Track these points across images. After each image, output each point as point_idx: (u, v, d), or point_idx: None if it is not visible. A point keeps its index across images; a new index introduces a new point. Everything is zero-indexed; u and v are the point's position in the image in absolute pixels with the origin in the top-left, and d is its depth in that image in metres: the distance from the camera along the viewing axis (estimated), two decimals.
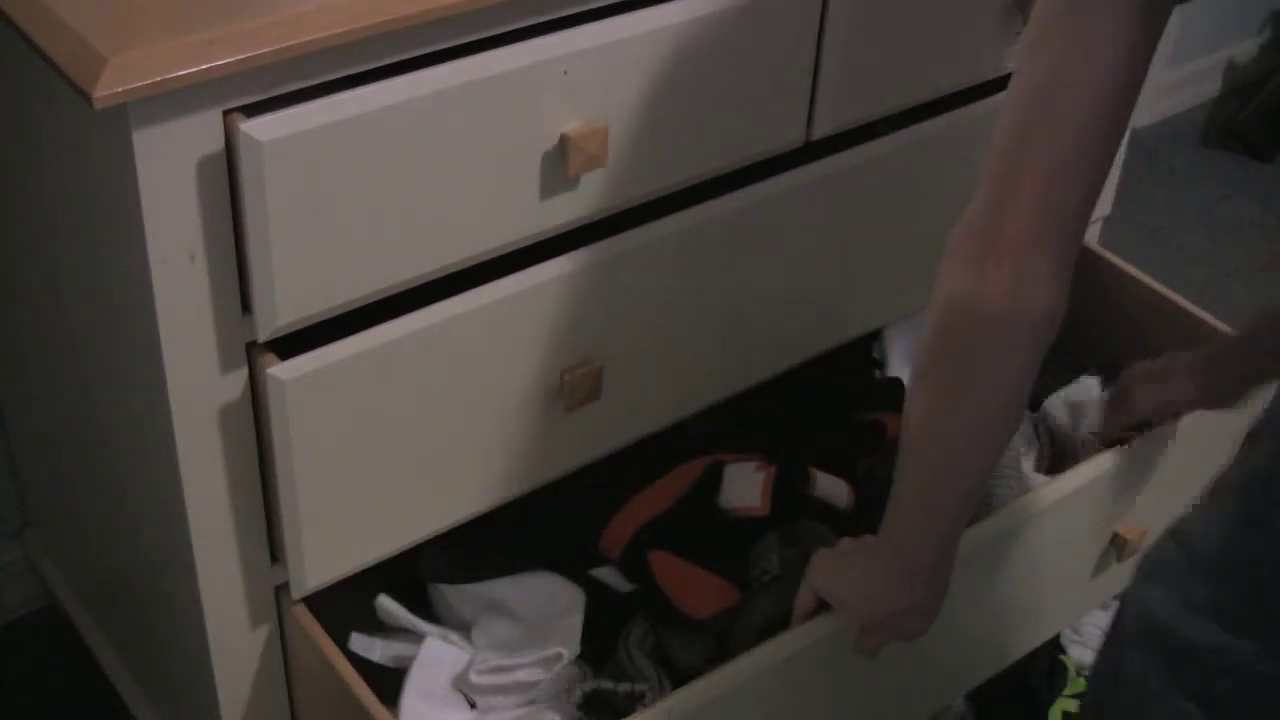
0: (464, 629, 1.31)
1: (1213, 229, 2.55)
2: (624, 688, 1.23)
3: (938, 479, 1.04)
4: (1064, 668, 1.65)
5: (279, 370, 1.05)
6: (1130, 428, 1.42)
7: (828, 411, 1.53)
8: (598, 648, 1.28)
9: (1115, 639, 0.95)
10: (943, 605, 1.13)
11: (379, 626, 1.28)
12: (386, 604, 1.26)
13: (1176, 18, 2.67)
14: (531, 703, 1.24)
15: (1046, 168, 0.90)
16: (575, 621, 1.27)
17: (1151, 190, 2.62)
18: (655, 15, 1.12)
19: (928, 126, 1.39)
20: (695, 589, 1.30)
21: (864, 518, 1.43)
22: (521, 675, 1.22)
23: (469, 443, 1.18)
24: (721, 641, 1.30)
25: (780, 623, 1.24)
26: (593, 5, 1.11)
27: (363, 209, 1.03)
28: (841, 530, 1.38)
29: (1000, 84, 1.45)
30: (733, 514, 1.37)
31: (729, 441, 1.45)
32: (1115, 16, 0.87)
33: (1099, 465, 1.37)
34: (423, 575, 1.33)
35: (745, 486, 1.38)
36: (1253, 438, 0.90)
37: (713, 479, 1.38)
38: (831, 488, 1.40)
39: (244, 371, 1.07)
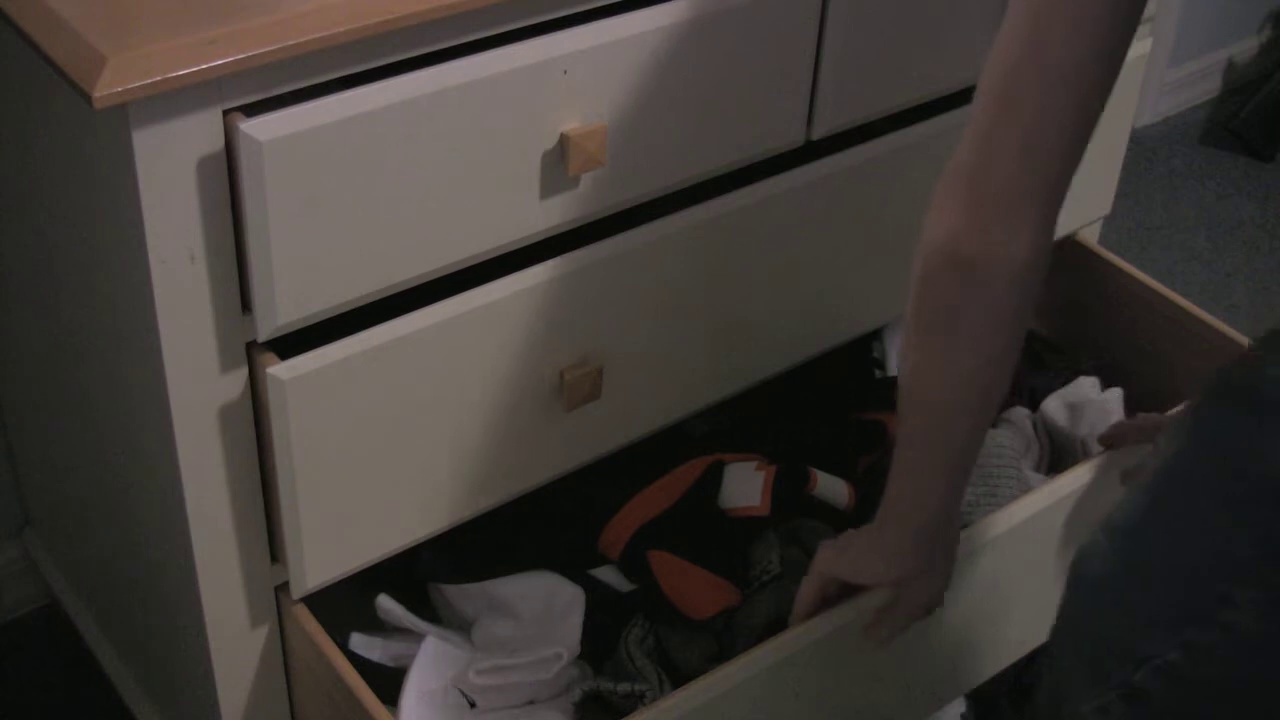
0: (464, 629, 1.31)
1: (1213, 229, 2.55)
2: (623, 688, 1.23)
3: (930, 434, 1.04)
4: None
5: (279, 370, 1.05)
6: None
7: (828, 411, 1.53)
8: (597, 648, 1.28)
9: (1050, 639, 0.97)
10: (953, 571, 1.13)
11: (379, 626, 1.28)
12: (386, 604, 1.26)
13: (1177, 17, 2.68)
14: (531, 703, 1.24)
15: (1032, 115, 0.90)
16: (575, 621, 1.27)
17: (1151, 190, 2.62)
18: (655, 15, 1.12)
19: (928, 126, 1.39)
20: (695, 589, 1.30)
21: (864, 517, 1.43)
22: (521, 675, 1.22)
23: (469, 442, 1.18)
24: (722, 641, 1.30)
25: (781, 622, 1.24)
26: (592, 5, 1.11)
27: (362, 208, 1.03)
28: (841, 530, 1.38)
29: None
30: (733, 514, 1.37)
31: (729, 441, 1.45)
32: None
33: (1099, 465, 1.37)
34: (422, 575, 1.33)
35: (745, 486, 1.38)
36: (1164, 434, 0.91)
37: (713, 479, 1.38)
38: (832, 488, 1.40)
39: (244, 371, 1.07)
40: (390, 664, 1.25)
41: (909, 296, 0.99)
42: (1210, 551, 0.85)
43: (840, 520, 1.40)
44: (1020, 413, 1.56)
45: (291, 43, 0.95)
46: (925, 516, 1.09)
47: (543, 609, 1.29)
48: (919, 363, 1.01)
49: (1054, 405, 1.56)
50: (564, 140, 1.10)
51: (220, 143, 0.97)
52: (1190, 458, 0.88)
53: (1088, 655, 0.91)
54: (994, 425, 1.54)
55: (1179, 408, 1.37)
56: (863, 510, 1.42)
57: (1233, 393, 0.87)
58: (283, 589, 1.19)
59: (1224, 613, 0.83)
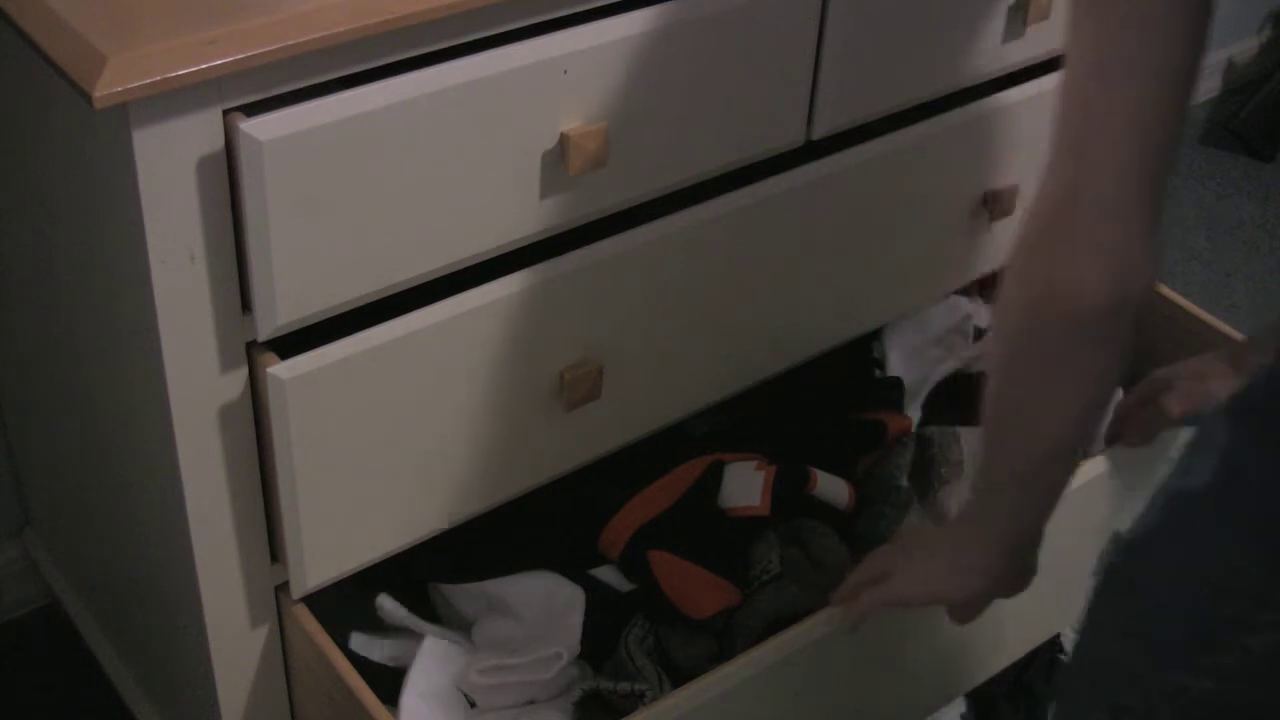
0: (464, 628, 1.31)
1: (1213, 228, 2.55)
2: (623, 687, 1.23)
3: (1034, 468, 0.98)
4: (1063, 667, 1.65)
5: (279, 369, 1.05)
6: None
7: (827, 411, 1.53)
8: (597, 647, 1.28)
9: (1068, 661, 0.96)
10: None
11: (379, 626, 1.28)
12: (386, 603, 1.26)
13: None
14: (531, 702, 1.24)
15: (1124, 122, 0.82)
16: (575, 621, 1.27)
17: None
18: (655, 15, 1.12)
19: (928, 126, 1.39)
20: (695, 588, 1.30)
21: (864, 517, 1.43)
22: (521, 675, 1.22)
23: (469, 442, 1.18)
24: (722, 640, 1.30)
25: (781, 621, 1.24)
26: (593, 5, 1.11)
27: (363, 208, 1.03)
28: (841, 529, 1.39)
29: (1001, 83, 1.45)
30: (732, 514, 1.37)
31: (729, 441, 1.45)
32: None
33: (1099, 465, 1.37)
34: (422, 575, 1.33)
35: (745, 486, 1.38)
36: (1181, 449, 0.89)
37: (713, 478, 1.38)
38: (832, 488, 1.40)
39: (244, 371, 1.07)
40: (390, 663, 1.25)
41: (1003, 347, 0.93)
42: (1224, 573, 0.82)
43: (840, 520, 1.40)
44: None
45: (291, 42, 0.95)
46: (1021, 530, 1.05)
47: (543, 609, 1.29)
48: (1027, 407, 0.94)
49: None
50: (564, 140, 1.10)
51: (220, 142, 0.97)
52: (1205, 478, 0.84)
53: (1099, 679, 0.89)
54: None
55: (1229, 351, 1.34)
56: (862, 510, 1.42)
57: (1252, 413, 0.83)
58: (283, 589, 1.19)
59: (1240, 636, 0.80)
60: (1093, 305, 0.85)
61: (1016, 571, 1.09)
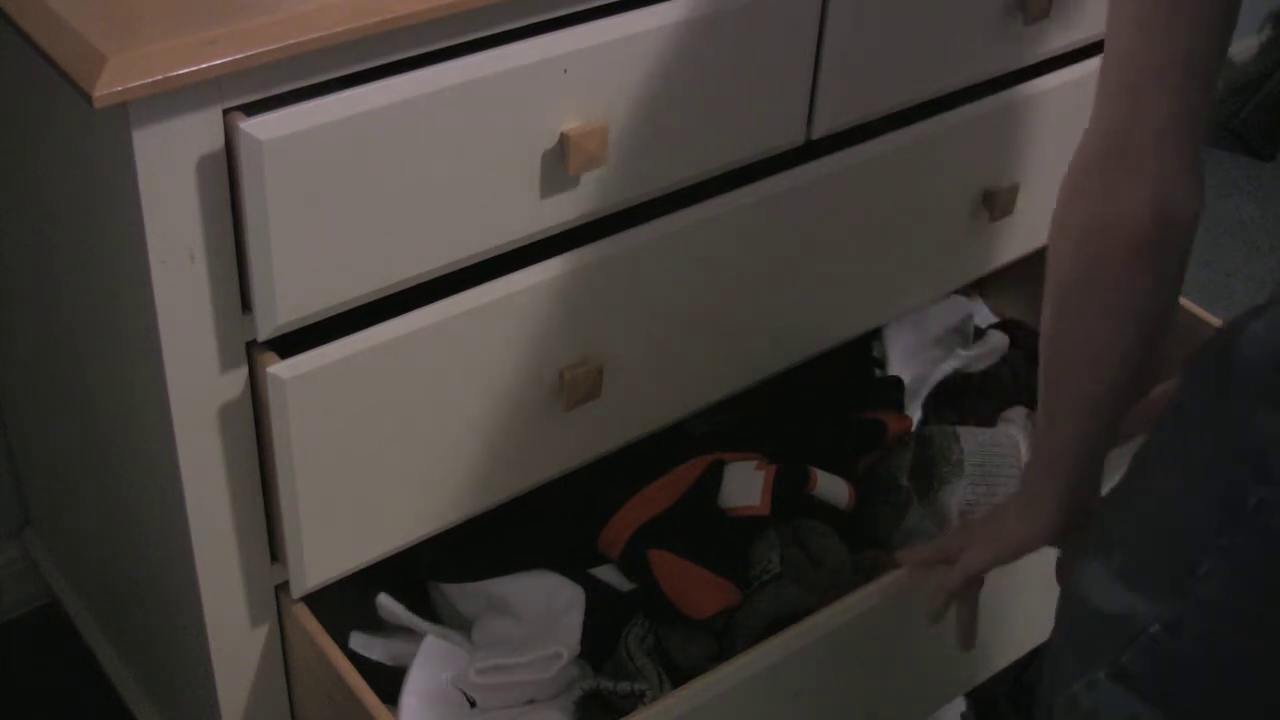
0: (464, 628, 1.31)
1: (1213, 228, 2.55)
2: (623, 687, 1.23)
3: (1103, 393, 1.00)
4: None
5: (279, 369, 1.05)
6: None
7: (827, 411, 1.53)
8: (597, 647, 1.28)
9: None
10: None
11: (379, 625, 1.28)
12: (386, 603, 1.26)
13: None
14: (531, 702, 1.24)
15: (1169, 61, 0.86)
16: (575, 620, 1.27)
17: None
18: (655, 14, 1.12)
19: (928, 126, 1.39)
20: (695, 588, 1.30)
21: (864, 517, 1.43)
22: (521, 674, 1.22)
23: (469, 441, 1.18)
24: (722, 640, 1.30)
25: (781, 621, 1.24)
26: (592, 4, 1.11)
27: (363, 208, 1.03)
28: (842, 529, 1.39)
29: (1001, 82, 1.45)
30: (733, 513, 1.37)
31: (729, 441, 1.45)
32: None
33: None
34: (422, 574, 1.33)
35: (745, 486, 1.38)
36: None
37: (713, 478, 1.38)
38: (832, 487, 1.40)
39: (244, 370, 1.07)
40: (390, 663, 1.25)
41: (1057, 283, 0.96)
42: (1182, 520, 0.85)
43: (840, 519, 1.40)
44: (1019, 412, 1.56)
45: (291, 42, 0.95)
46: (1081, 470, 1.06)
47: (543, 608, 1.29)
48: (1082, 341, 0.97)
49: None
50: (564, 139, 1.10)
51: (220, 142, 0.97)
52: (1166, 429, 0.89)
53: (1079, 634, 0.91)
54: (993, 425, 1.54)
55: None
56: (863, 510, 1.42)
57: (1207, 363, 0.88)
58: (283, 588, 1.19)
59: (1192, 583, 0.83)
60: (1145, 232, 0.89)
61: (1077, 514, 1.10)
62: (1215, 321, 1.58)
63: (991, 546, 1.14)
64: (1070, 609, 0.94)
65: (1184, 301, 1.62)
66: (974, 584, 1.18)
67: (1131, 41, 0.87)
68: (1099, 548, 0.92)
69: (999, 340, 1.68)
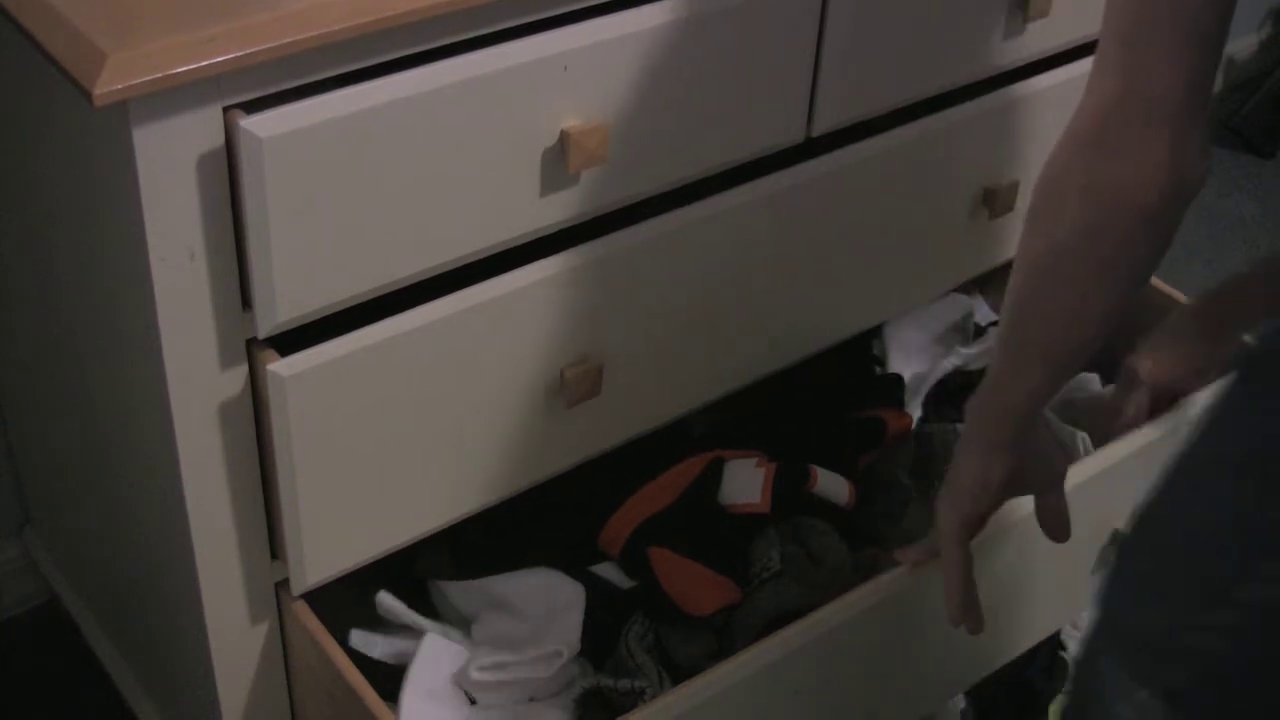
0: (464, 625, 1.31)
1: (1213, 226, 2.55)
2: (624, 685, 1.23)
3: (1075, 349, 1.01)
4: (1064, 664, 1.65)
5: (279, 367, 1.05)
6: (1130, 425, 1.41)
7: (827, 408, 1.53)
8: (598, 644, 1.28)
9: (1082, 644, 0.95)
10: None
11: (379, 623, 1.28)
12: (386, 600, 1.26)
13: None
14: (531, 700, 1.24)
15: (1176, 25, 0.85)
16: (575, 618, 1.27)
17: None
18: (655, 11, 1.12)
19: (928, 123, 1.39)
20: (695, 586, 1.30)
21: (864, 515, 1.43)
22: (521, 672, 1.22)
23: (469, 439, 1.18)
24: (722, 638, 1.30)
25: (782, 619, 1.24)
26: (593, 1, 1.11)
27: (363, 205, 1.03)
28: (842, 527, 1.39)
29: (1000, 80, 1.45)
30: (733, 510, 1.37)
31: (728, 438, 1.45)
32: None
33: (1098, 462, 1.37)
34: (422, 573, 1.32)
35: (745, 483, 1.38)
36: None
37: (713, 475, 1.38)
38: (832, 485, 1.40)
39: (244, 368, 1.07)
40: (390, 660, 1.25)
41: (1055, 244, 0.95)
42: (1230, 526, 0.82)
43: (841, 517, 1.40)
44: None
45: (291, 40, 0.95)
46: (1030, 411, 1.08)
47: (543, 606, 1.29)
48: (1071, 302, 0.97)
49: (1054, 401, 1.56)
50: (564, 137, 1.10)
51: (220, 140, 0.97)
52: (1209, 431, 0.86)
53: (1123, 649, 0.89)
54: None
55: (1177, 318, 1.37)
56: (863, 508, 1.42)
57: (1253, 364, 0.86)
58: (283, 586, 1.19)
59: (1242, 590, 0.80)
60: (1161, 193, 0.89)
61: (1035, 459, 1.12)
62: None
63: (950, 500, 1.14)
64: (1105, 620, 0.92)
65: (1184, 299, 1.62)
66: (961, 557, 1.16)
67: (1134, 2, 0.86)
68: (1132, 556, 0.90)
69: None
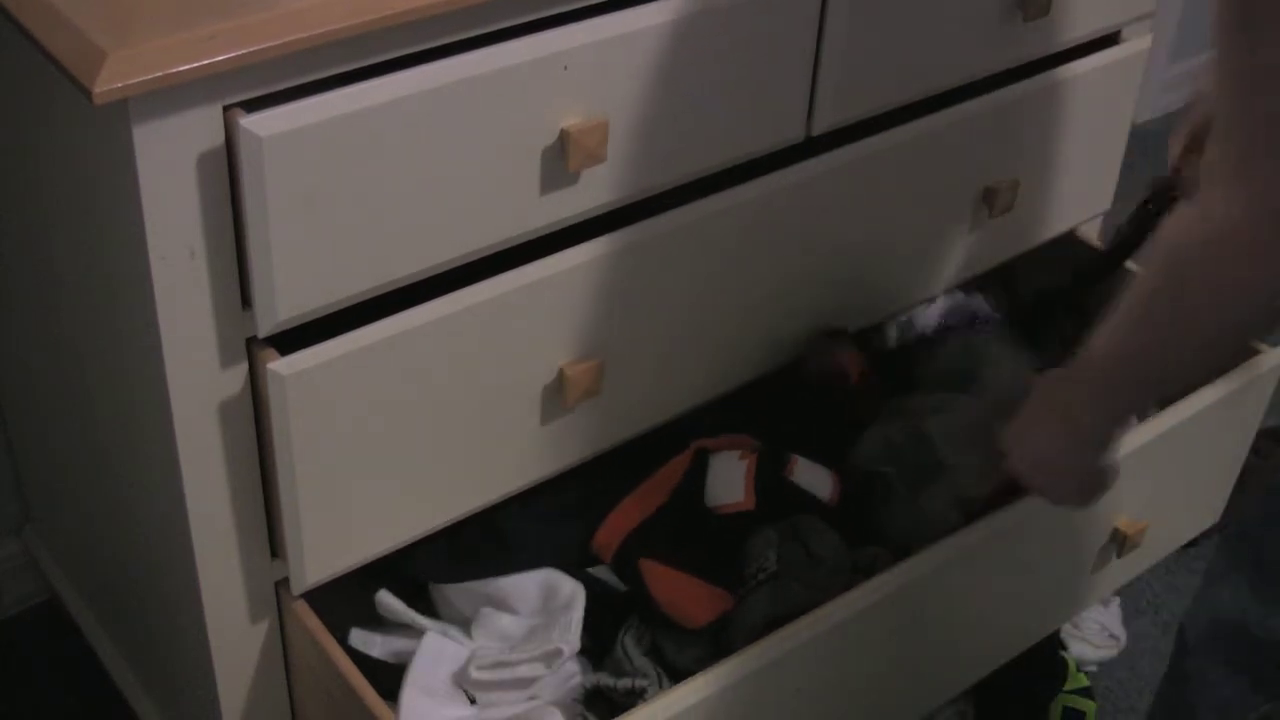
0: (464, 624, 1.31)
1: None
2: (624, 683, 1.23)
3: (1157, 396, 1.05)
4: (1064, 663, 1.65)
5: (279, 365, 1.05)
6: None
7: (821, 407, 1.52)
8: (598, 643, 1.28)
9: (1177, 655, 0.93)
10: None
11: (379, 622, 1.28)
12: (386, 599, 1.26)
13: (1177, 14, 2.67)
14: (532, 698, 1.24)
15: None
16: (575, 617, 1.27)
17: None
18: (655, 10, 1.12)
19: (927, 122, 1.39)
20: (688, 600, 1.29)
21: (851, 509, 1.40)
22: (521, 671, 1.22)
23: (469, 437, 1.18)
24: (720, 642, 1.29)
25: (778, 622, 1.24)
26: (592, 1, 1.11)
27: (363, 204, 1.03)
28: (838, 526, 1.37)
29: (1000, 80, 1.45)
30: (720, 512, 1.35)
31: (714, 423, 1.42)
32: None
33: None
34: (418, 574, 1.32)
35: (730, 481, 1.36)
36: None
37: (699, 471, 1.37)
38: (813, 475, 1.38)
39: (244, 367, 1.07)
40: (390, 659, 1.25)
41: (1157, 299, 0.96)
42: None
43: (826, 510, 1.37)
44: None
45: (292, 38, 0.95)
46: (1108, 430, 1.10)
47: (543, 604, 1.29)
48: (1181, 373, 1.00)
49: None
50: (564, 136, 1.10)
51: (220, 138, 0.97)
52: None
53: (1239, 664, 0.88)
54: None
55: None
56: (849, 501, 1.39)
57: None
58: (283, 585, 1.19)
59: None
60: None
61: (1090, 468, 1.13)
62: None
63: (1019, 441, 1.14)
64: (1221, 639, 0.90)
65: None
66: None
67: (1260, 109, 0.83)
68: (1246, 577, 0.89)
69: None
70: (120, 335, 1.11)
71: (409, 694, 1.19)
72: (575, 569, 1.33)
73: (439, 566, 1.31)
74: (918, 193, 1.42)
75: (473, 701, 1.23)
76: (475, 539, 1.31)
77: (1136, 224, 1.47)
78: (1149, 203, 1.44)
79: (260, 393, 1.07)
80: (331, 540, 1.15)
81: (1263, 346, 1.55)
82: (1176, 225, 0.92)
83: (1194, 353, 0.96)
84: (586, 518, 1.36)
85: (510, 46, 1.06)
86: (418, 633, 1.26)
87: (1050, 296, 1.62)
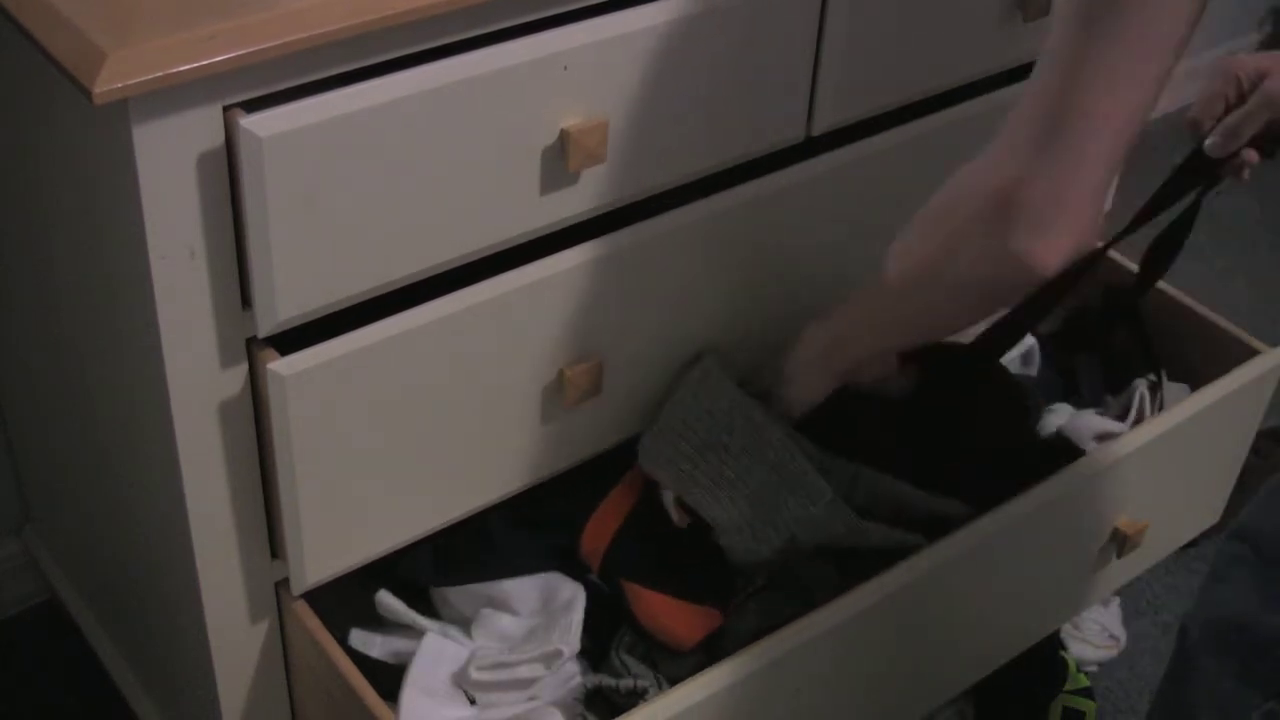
0: (464, 625, 1.31)
1: (1213, 225, 2.55)
2: (625, 684, 1.23)
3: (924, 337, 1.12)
4: (1064, 664, 1.65)
5: (279, 366, 1.05)
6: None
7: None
8: (597, 645, 1.28)
9: (1179, 654, 0.93)
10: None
11: (379, 622, 1.28)
12: (386, 600, 1.26)
13: None
14: (531, 699, 1.24)
15: (1114, 124, 0.85)
16: (575, 618, 1.27)
17: (1151, 186, 2.61)
18: (655, 10, 1.12)
19: (928, 122, 1.39)
20: (674, 622, 1.27)
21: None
22: (521, 672, 1.22)
23: (469, 438, 1.18)
24: (712, 654, 1.28)
25: (767, 631, 1.22)
26: (592, 1, 1.11)
27: (363, 204, 1.03)
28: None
29: (1000, 79, 1.45)
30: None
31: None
32: None
33: (1099, 460, 1.37)
34: (423, 580, 1.31)
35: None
36: None
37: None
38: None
39: (244, 367, 1.07)
40: (390, 660, 1.25)
41: (946, 280, 0.98)
42: None
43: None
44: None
45: (292, 39, 0.95)
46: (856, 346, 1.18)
47: (543, 605, 1.29)
48: (938, 326, 1.05)
49: (1057, 405, 1.56)
50: (564, 136, 1.10)
51: (220, 138, 0.97)
52: None
53: (1238, 661, 0.88)
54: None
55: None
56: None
57: None
58: (283, 585, 1.19)
59: None
60: (1054, 271, 0.90)
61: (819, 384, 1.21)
62: (1216, 318, 1.58)
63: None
64: (1222, 637, 0.90)
65: (1185, 298, 1.62)
66: None
67: (1097, 93, 0.84)
68: (1247, 575, 0.89)
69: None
70: (120, 335, 1.11)
71: (409, 694, 1.19)
72: (574, 573, 1.32)
73: (433, 571, 1.30)
74: (918, 193, 1.42)
75: (473, 702, 1.23)
76: (472, 540, 1.30)
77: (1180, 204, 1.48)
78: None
79: (260, 393, 1.07)
80: (332, 540, 1.15)
81: (1263, 347, 1.55)
82: (974, 165, 0.94)
83: (944, 291, 0.99)
84: (574, 528, 1.33)
85: (510, 47, 1.06)
86: (418, 633, 1.26)
87: (1114, 298, 1.61)
